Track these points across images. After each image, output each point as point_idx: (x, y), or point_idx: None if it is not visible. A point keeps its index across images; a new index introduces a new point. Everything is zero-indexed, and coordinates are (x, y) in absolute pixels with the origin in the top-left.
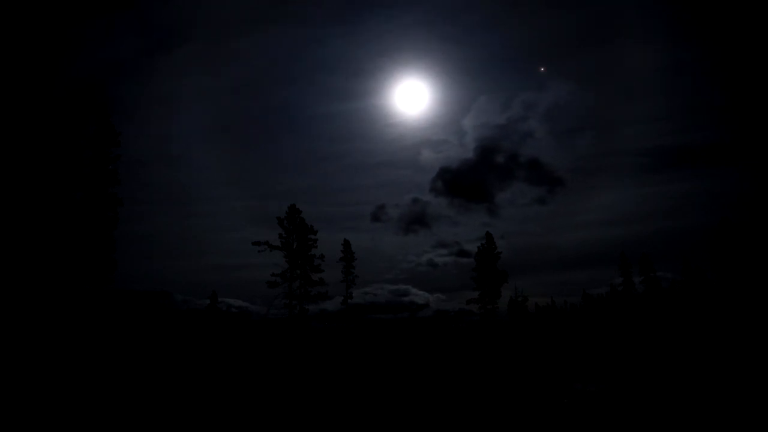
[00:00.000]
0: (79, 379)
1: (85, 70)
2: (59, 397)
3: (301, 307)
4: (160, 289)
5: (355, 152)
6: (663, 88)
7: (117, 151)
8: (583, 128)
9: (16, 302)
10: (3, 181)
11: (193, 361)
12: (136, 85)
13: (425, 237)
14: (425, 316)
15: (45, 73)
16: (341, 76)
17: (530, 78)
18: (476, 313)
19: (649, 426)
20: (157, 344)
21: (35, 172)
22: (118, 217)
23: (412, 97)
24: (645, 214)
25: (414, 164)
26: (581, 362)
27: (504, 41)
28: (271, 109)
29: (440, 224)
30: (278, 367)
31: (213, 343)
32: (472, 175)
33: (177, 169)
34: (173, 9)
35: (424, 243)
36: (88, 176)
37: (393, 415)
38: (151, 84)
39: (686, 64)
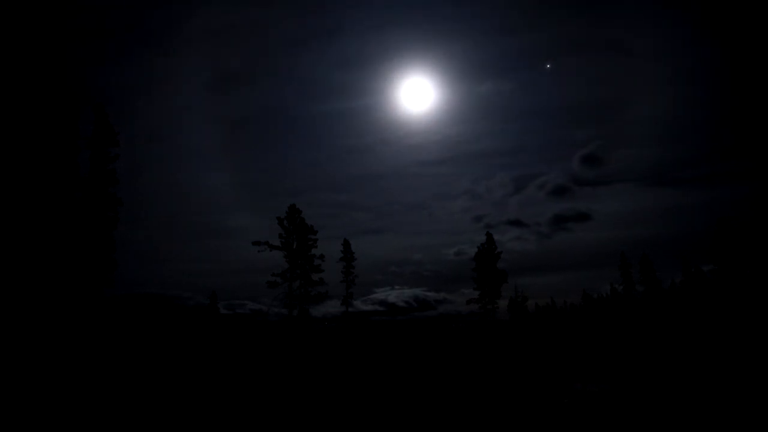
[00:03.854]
0: (80, 380)
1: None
2: (60, 397)
3: (301, 308)
4: (159, 291)
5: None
6: (664, 99)
7: (116, 150)
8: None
9: (16, 303)
10: (2, 181)
11: (194, 362)
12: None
13: None
14: (423, 317)
15: (44, 73)
16: None
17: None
18: (476, 313)
19: (650, 426)
20: (157, 344)
21: (34, 172)
22: (118, 217)
23: None
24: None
25: None
26: (581, 362)
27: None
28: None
29: None
30: (276, 368)
31: (213, 343)
32: None
33: (178, 171)
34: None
35: None
36: (87, 176)
37: (394, 415)
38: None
39: (688, 76)
